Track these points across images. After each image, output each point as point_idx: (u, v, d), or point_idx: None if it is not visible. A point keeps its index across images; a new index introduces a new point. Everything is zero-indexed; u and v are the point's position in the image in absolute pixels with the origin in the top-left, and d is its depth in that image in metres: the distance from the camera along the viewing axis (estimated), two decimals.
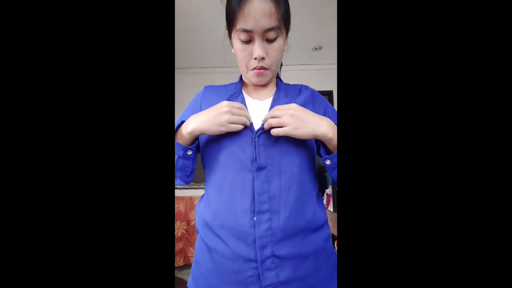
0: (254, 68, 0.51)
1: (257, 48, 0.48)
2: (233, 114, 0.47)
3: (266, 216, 0.46)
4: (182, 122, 0.51)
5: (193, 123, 0.48)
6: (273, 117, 0.47)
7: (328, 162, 0.48)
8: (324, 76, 2.74)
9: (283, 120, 0.46)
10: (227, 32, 0.54)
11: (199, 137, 0.54)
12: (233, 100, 0.54)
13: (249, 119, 0.49)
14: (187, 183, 0.54)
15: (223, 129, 0.47)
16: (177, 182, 0.54)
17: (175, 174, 0.51)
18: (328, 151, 0.50)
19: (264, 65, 0.51)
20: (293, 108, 0.46)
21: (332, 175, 0.50)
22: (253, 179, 0.47)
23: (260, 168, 0.47)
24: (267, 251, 0.44)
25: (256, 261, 0.44)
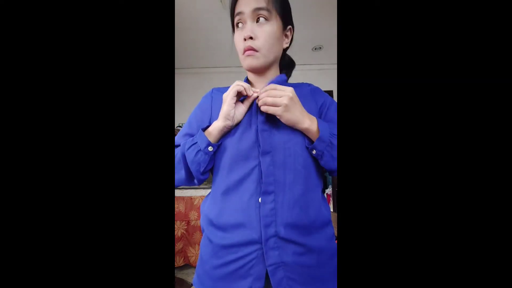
0: (245, 50, 0.53)
1: (245, 29, 0.52)
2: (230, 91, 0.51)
3: (271, 197, 0.48)
4: (208, 126, 0.54)
5: (215, 125, 0.52)
6: (269, 96, 0.49)
7: (314, 152, 0.49)
8: (324, 76, 2.74)
9: (280, 100, 0.47)
10: (232, 32, 0.57)
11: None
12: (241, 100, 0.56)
13: (244, 86, 0.50)
14: (199, 181, 0.55)
15: (229, 103, 0.50)
16: (189, 182, 0.55)
17: (190, 167, 0.52)
18: (311, 142, 0.51)
19: (252, 46, 0.52)
20: (291, 92, 0.48)
21: (321, 163, 0.50)
22: (259, 164, 0.49)
23: (265, 153, 0.49)
24: (271, 230, 0.46)
25: (260, 242, 0.46)
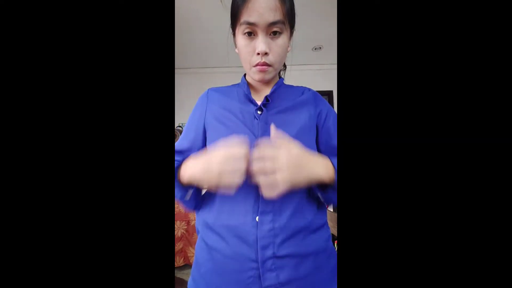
0: (257, 64, 0.50)
1: (260, 43, 0.48)
2: (227, 165, 0.40)
3: (269, 217, 0.46)
4: (185, 158, 0.51)
5: (189, 170, 0.46)
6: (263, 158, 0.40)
7: (320, 195, 0.49)
8: (324, 76, 2.74)
9: (279, 165, 0.39)
10: (231, 31, 0.54)
11: (206, 138, 0.55)
12: (243, 107, 0.54)
13: (243, 173, 0.41)
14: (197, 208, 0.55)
15: (214, 181, 0.41)
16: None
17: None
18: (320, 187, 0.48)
19: (267, 61, 0.49)
20: (285, 147, 0.40)
21: (323, 200, 0.50)
22: None
23: None
24: (269, 252, 0.44)
25: (257, 261, 0.44)
